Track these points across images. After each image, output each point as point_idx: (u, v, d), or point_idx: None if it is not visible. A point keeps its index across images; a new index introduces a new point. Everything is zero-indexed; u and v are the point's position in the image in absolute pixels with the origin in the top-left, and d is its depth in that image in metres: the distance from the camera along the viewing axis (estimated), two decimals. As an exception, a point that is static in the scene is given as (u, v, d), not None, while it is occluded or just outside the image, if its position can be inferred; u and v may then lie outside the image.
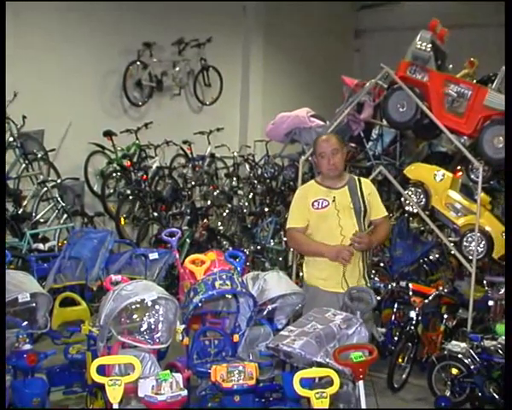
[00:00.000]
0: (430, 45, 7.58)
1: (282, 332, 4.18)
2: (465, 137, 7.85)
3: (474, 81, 7.95)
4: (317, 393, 3.42)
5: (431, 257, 8.93)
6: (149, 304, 4.36)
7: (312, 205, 5.02)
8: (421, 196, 7.63)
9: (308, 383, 3.77)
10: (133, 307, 4.36)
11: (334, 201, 4.99)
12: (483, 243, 7.25)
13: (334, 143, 5.06)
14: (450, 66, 8.02)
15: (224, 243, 9.87)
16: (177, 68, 11.76)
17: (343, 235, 4.95)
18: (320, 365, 3.87)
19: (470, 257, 7.18)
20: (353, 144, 8.74)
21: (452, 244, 7.66)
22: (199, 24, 12.03)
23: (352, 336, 4.07)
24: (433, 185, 7.67)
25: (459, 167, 8.54)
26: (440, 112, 7.48)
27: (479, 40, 13.09)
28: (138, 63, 11.04)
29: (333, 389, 3.48)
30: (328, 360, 3.83)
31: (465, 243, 7.33)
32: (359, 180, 5.18)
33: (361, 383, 3.82)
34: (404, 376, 6.66)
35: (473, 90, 7.48)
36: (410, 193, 7.73)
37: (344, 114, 7.86)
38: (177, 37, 11.61)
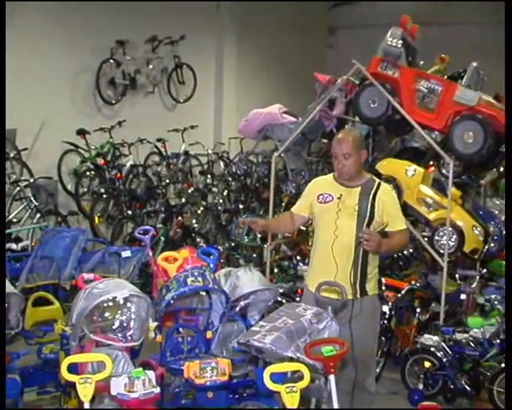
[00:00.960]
0: (401, 42, 7.66)
1: (253, 328, 4.20)
2: (436, 133, 7.94)
3: (445, 77, 8.04)
4: (288, 387, 3.45)
5: (405, 252, 9.00)
6: (121, 302, 4.37)
7: (318, 198, 4.85)
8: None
9: (280, 378, 3.79)
10: (105, 305, 4.36)
11: (339, 198, 4.75)
12: (454, 237, 7.34)
13: (347, 147, 4.72)
14: (421, 62, 8.11)
15: (198, 240, 9.86)
16: (151, 66, 11.71)
17: (336, 235, 4.68)
18: (292, 360, 3.90)
19: (442, 251, 7.26)
20: (326, 140, 8.78)
21: (426, 239, 7.73)
22: (172, 21, 11.99)
23: (322, 331, 4.09)
24: (404, 180, 7.70)
25: (431, 163, 8.63)
26: (411, 107, 7.56)
27: (452, 37, 13.20)
28: (111, 61, 10.98)
29: (303, 383, 3.51)
30: (299, 354, 3.84)
31: (437, 238, 7.41)
32: (378, 185, 4.84)
33: (332, 377, 3.84)
34: (377, 370, 6.69)
35: (443, 86, 7.57)
36: (381, 188, 7.77)
37: (316, 110, 7.89)
38: (150, 34, 11.56)
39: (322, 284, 4.54)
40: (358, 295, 4.69)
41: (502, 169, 8.93)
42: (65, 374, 3.58)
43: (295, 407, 3.44)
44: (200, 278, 4.72)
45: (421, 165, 8.20)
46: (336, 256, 4.68)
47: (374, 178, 4.97)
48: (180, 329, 4.95)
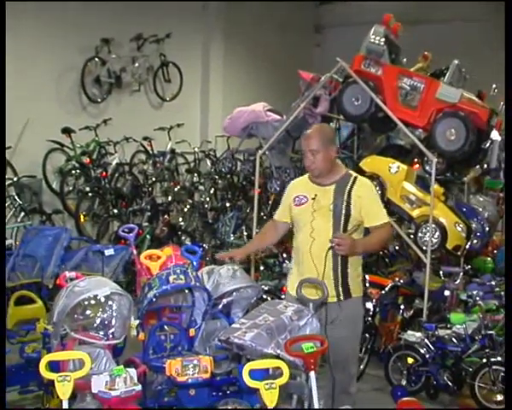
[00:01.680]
0: (384, 39, 7.69)
1: (233, 325, 4.19)
2: (420, 130, 7.98)
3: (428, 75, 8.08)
4: (267, 384, 3.45)
5: (390, 249, 9.04)
6: (102, 300, 4.37)
7: (294, 200, 4.68)
8: (377, 188, 7.66)
9: (262, 375, 3.79)
10: (86, 303, 4.36)
11: (313, 199, 4.57)
12: (437, 233, 7.37)
13: (314, 144, 4.56)
14: (405, 59, 8.14)
15: (183, 238, 9.86)
16: (137, 64, 11.69)
17: (313, 237, 4.53)
18: (272, 356, 3.90)
19: (425, 248, 7.30)
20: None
21: (412, 236, 7.76)
22: (158, 19, 11.96)
23: (303, 328, 4.08)
24: (388, 177, 7.72)
25: (416, 160, 8.66)
26: (394, 105, 7.60)
27: (437, 36, 13.25)
28: (96, 59, 10.97)
29: (282, 379, 3.51)
30: (279, 351, 3.85)
31: (420, 234, 7.44)
32: (354, 180, 4.62)
33: (312, 373, 3.86)
34: (361, 367, 6.71)
35: (425, 84, 7.62)
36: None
37: (300, 108, 7.92)
38: (135, 32, 11.54)
39: (302, 282, 4.48)
40: (342, 298, 4.55)
41: (485, 166, 8.98)
42: (44, 372, 3.58)
43: (274, 403, 3.44)
44: (182, 276, 4.70)
45: (405, 162, 8.24)
46: (315, 259, 4.51)
47: (350, 172, 4.77)
48: (165, 326, 4.95)
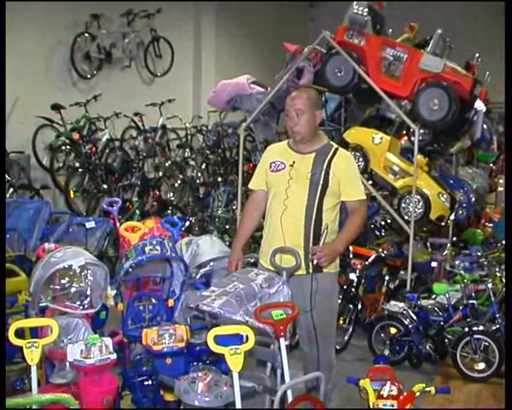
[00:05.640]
0: (367, 10, 7.64)
1: (204, 292, 4.21)
2: (406, 101, 7.95)
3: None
4: (231, 349, 3.48)
5: (382, 222, 9.05)
6: (77, 270, 4.41)
7: (270, 166, 4.54)
8: (360, 160, 7.67)
9: (236, 342, 3.81)
10: (62, 273, 4.40)
11: (291, 166, 4.44)
12: (420, 204, 7.38)
13: (300, 103, 4.44)
14: (390, 30, 8.09)
15: (169, 212, 9.86)
16: (127, 40, 11.64)
17: (286, 205, 4.41)
18: (244, 324, 3.92)
19: (408, 218, 7.32)
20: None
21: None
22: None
23: (274, 295, 4.08)
24: (371, 148, 7.71)
25: (405, 132, 8.64)
26: (377, 75, 7.57)
27: (436, 10, 13.21)
28: (86, 35, 10.91)
29: (247, 345, 3.52)
30: (247, 318, 3.86)
31: (403, 205, 7.46)
32: (335, 151, 4.49)
33: (282, 340, 3.88)
34: (346, 337, 6.75)
35: (408, 54, 7.58)
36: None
37: (283, 79, 7.89)
38: (125, 8, 11.47)
39: (276, 251, 4.49)
40: (311, 271, 4.38)
41: (476, 138, 8.95)
42: (12, 339, 3.63)
43: (239, 368, 3.47)
44: (158, 247, 4.71)
45: (394, 134, 8.23)
46: (285, 228, 4.41)
47: (331, 143, 4.66)
48: (143, 297, 4.97)
